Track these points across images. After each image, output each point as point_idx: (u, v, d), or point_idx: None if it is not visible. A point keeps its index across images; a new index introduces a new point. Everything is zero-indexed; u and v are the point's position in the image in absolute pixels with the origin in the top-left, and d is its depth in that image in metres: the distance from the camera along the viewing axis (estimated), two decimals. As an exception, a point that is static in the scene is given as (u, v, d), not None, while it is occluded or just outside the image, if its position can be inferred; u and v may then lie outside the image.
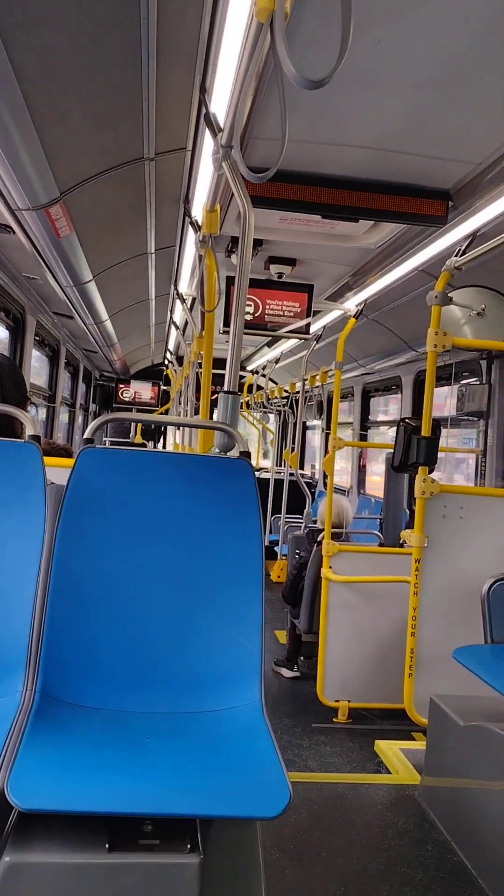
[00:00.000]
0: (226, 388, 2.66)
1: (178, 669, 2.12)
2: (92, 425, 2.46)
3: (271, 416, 14.76)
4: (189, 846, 1.58)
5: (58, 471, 2.32)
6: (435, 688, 3.65)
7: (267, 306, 6.11)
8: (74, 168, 3.73)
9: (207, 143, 3.45)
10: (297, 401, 9.43)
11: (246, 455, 2.27)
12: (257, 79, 2.86)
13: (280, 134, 1.98)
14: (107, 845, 1.57)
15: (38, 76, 2.87)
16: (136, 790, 1.60)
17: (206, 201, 3.72)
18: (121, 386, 14.94)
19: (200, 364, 5.56)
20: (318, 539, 5.32)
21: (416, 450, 4.19)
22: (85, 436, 2.48)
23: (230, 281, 5.50)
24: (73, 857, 1.57)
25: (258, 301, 6.09)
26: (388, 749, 4.03)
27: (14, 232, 4.32)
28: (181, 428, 8.93)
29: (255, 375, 11.36)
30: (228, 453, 2.51)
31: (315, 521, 7.19)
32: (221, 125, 2.86)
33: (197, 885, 1.56)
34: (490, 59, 2.80)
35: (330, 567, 5.02)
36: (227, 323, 5.81)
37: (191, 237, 4.96)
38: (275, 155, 2.04)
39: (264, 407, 11.71)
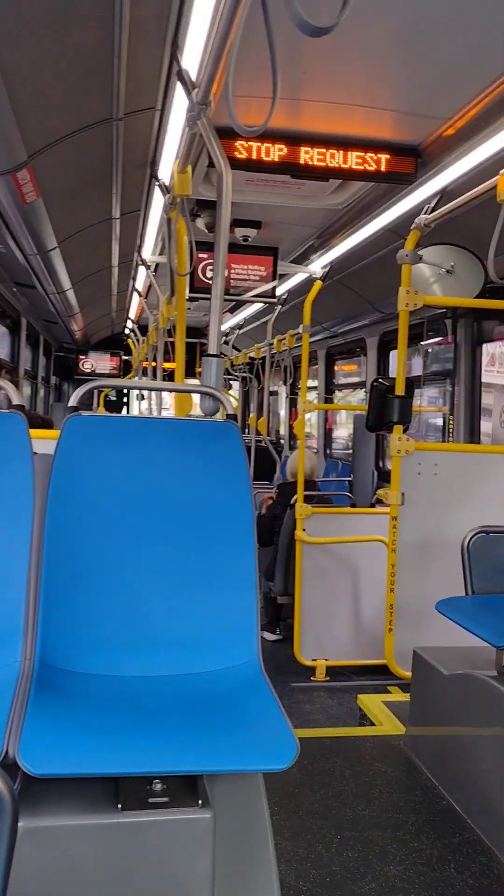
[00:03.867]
0: (210, 352, 2.65)
1: (176, 632, 2.13)
2: (77, 392, 2.46)
3: (234, 384, 14.74)
4: (199, 802, 1.61)
5: (39, 441, 2.30)
6: (414, 641, 3.72)
7: (232, 270, 6.07)
8: (42, 130, 3.64)
9: (178, 103, 3.39)
10: (261, 367, 9.41)
11: (232, 418, 2.28)
12: (234, 34, 2.81)
13: (254, 91, 1.95)
14: (119, 805, 1.59)
15: (5, 33, 2.80)
16: (144, 750, 1.62)
17: (175, 162, 3.66)
18: (81, 357, 14.80)
19: (169, 331, 5.51)
20: (291, 502, 5.37)
21: (390, 409, 4.22)
22: (70, 403, 2.48)
23: (198, 245, 5.45)
24: (86, 819, 1.59)
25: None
26: (371, 702, 4.11)
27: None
28: (150, 396, 8.89)
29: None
30: (213, 417, 2.52)
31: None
32: (195, 82, 2.81)
33: (210, 839, 1.60)
34: (457, 13, 2.80)
35: (304, 529, 5.07)
36: (193, 289, 5.76)
37: (157, 201, 4.89)
38: (244, 114, 2.02)
39: (228, 374, 11.69)
